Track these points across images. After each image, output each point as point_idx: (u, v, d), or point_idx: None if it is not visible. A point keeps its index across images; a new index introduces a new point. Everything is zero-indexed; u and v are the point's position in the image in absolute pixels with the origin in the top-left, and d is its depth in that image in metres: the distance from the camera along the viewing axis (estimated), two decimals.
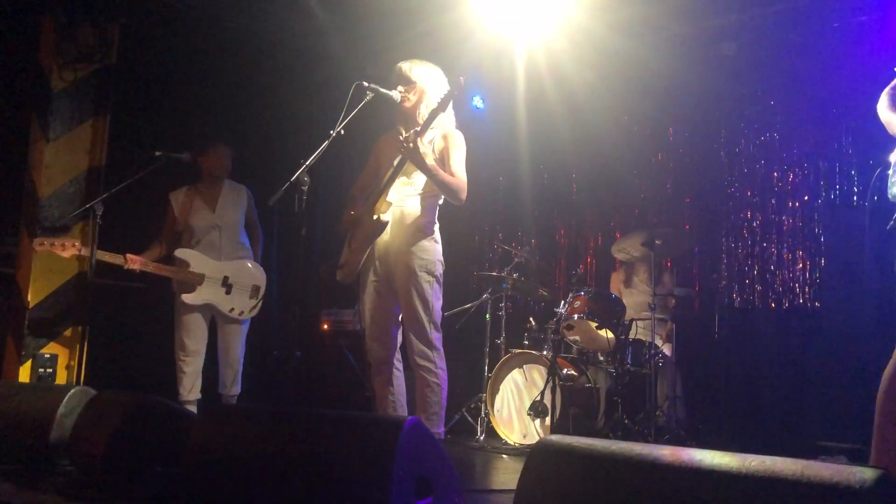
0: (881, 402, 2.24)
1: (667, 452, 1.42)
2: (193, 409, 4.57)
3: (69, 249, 4.40)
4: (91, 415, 2.94)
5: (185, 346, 4.58)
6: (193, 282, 4.58)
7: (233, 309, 4.66)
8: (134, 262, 4.47)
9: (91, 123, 5.35)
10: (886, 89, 2.39)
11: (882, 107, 2.38)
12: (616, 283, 5.90)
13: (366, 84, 3.40)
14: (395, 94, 3.54)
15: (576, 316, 5.02)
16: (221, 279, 4.65)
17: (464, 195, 3.51)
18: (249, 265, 4.80)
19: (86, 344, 4.53)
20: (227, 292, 4.65)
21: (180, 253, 4.64)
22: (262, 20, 5.71)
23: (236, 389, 4.74)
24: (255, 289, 4.75)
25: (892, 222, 2.26)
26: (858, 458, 4.47)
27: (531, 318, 5.52)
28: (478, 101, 6.85)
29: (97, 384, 3.48)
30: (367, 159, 3.86)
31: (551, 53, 5.83)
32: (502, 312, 5.48)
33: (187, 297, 4.56)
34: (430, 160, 3.42)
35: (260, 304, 4.74)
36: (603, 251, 6.66)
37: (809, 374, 5.14)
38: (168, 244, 4.75)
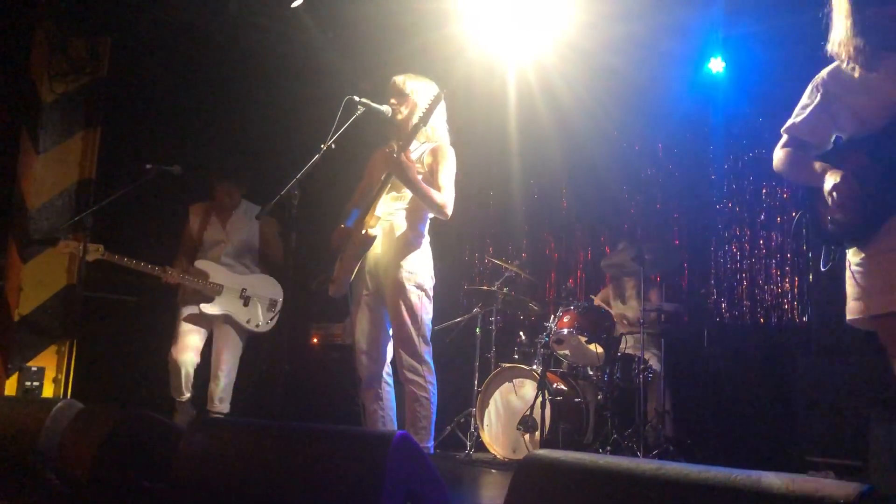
0: None
1: (654, 467, 1.42)
2: (188, 408, 4.63)
3: (93, 253, 4.46)
4: (78, 428, 2.92)
5: (178, 347, 4.60)
6: (212, 292, 4.66)
7: (249, 320, 4.75)
8: (173, 276, 4.58)
9: (81, 136, 5.35)
10: (778, 147, 2.52)
11: (778, 164, 2.50)
12: (605, 298, 5.91)
13: (357, 98, 3.41)
14: (386, 109, 3.56)
15: (565, 330, 5.03)
16: (239, 291, 4.74)
17: (448, 210, 3.52)
18: (268, 279, 4.90)
19: (73, 357, 4.51)
20: (245, 304, 4.75)
21: (200, 264, 4.72)
22: (255, 35, 5.73)
23: (225, 407, 4.72)
24: (273, 302, 4.83)
25: (822, 263, 2.36)
26: (847, 473, 4.47)
27: (521, 333, 5.52)
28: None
29: (84, 397, 3.46)
30: (361, 173, 3.88)
31: (542, 70, 5.87)
32: (492, 326, 5.48)
33: (206, 308, 4.63)
34: (412, 174, 3.42)
35: (277, 318, 4.81)
36: (593, 265, 6.68)
37: (798, 390, 5.14)
38: (187, 256, 4.83)
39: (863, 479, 3.98)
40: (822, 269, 2.37)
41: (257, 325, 4.78)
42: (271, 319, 4.81)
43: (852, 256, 2.28)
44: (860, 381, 4.65)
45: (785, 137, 2.52)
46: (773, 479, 1.24)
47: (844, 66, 2.34)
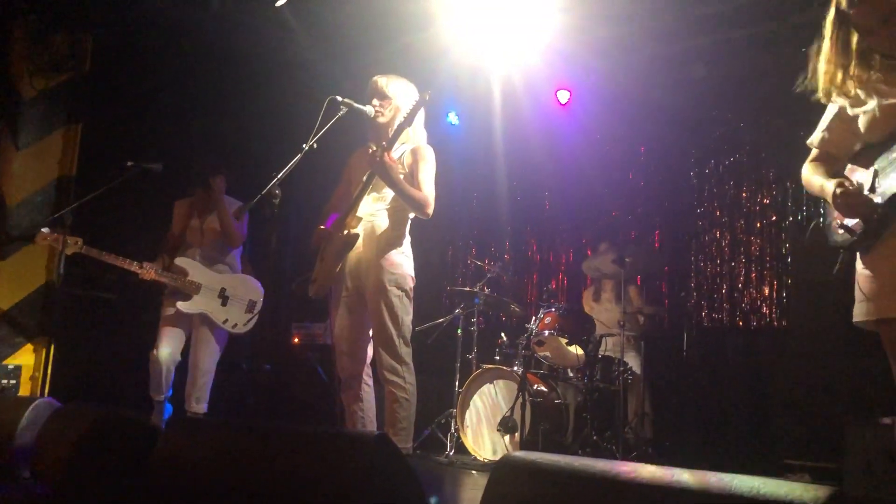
0: None
1: (628, 469, 1.43)
2: (164, 406, 4.60)
3: (72, 247, 4.40)
4: (55, 427, 2.90)
5: (159, 347, 4.57)
6: (190, 290, 4.62)
7: (226, 320, 4.69)
8: (148, 272, 4.53)
9: (62, 132, 5.31)
10: (807, 162, 2.56)
11: (804, 179, 2.55)
12: (587, 300, 5.95)
13: (340, 98, 3.41)
14: (369, 109, 3.56)
15: (546, 332, 5.05)
16: (219, 290, 4.69)
17: (430, 209, 3.52)
18: (249, 280, 4.86)
19: (51, 355, 4.47)
20: (223, 304, 4.70)
21: (180, 261, 4.69)
22: (238, 33, 5.71)
23: (202, 407, 4.68)
24: (252, 303, 4.78)
25: (836, 266, 2.40)
26: (822, 476, 4.53)
27: (503, 334, 5.54)
28: (453, 118, 6.87)
29: (62, 396, 3.43)
30: (341, 174, 3.87)
31: (526, 72, 5.89)
32: (474, 327, 5.48)
33: (182, 305, 4.59)
34: (395, 174, 3.43)
35: (255, 319, 4.76)
36: (574, 268, 6.71)
37: (776, 393, 5.20)
38: (169, 253, 4.79)
39: (838, 482, 4.03)
40: (834, 273, 2.41)
41: (234, 326, 4.72)
42: (249, 321, 4.75)
43: (860, 260, 2.33)
44: (836, 385, 4.71)
45: (815, 152, 2.57)
46: (743, 483, 1.26)
47: (834, 97, 2.39)
